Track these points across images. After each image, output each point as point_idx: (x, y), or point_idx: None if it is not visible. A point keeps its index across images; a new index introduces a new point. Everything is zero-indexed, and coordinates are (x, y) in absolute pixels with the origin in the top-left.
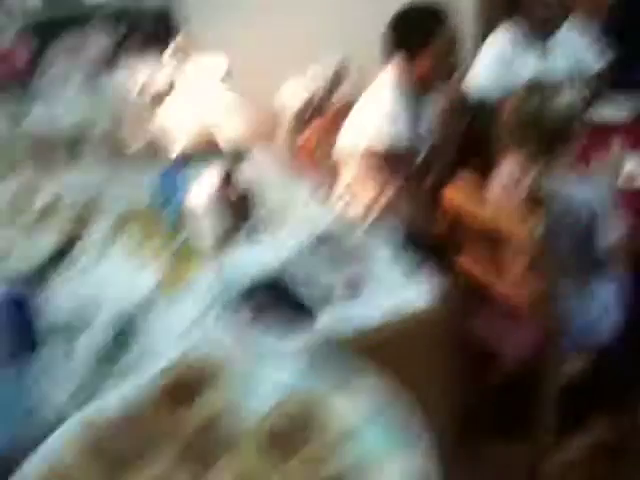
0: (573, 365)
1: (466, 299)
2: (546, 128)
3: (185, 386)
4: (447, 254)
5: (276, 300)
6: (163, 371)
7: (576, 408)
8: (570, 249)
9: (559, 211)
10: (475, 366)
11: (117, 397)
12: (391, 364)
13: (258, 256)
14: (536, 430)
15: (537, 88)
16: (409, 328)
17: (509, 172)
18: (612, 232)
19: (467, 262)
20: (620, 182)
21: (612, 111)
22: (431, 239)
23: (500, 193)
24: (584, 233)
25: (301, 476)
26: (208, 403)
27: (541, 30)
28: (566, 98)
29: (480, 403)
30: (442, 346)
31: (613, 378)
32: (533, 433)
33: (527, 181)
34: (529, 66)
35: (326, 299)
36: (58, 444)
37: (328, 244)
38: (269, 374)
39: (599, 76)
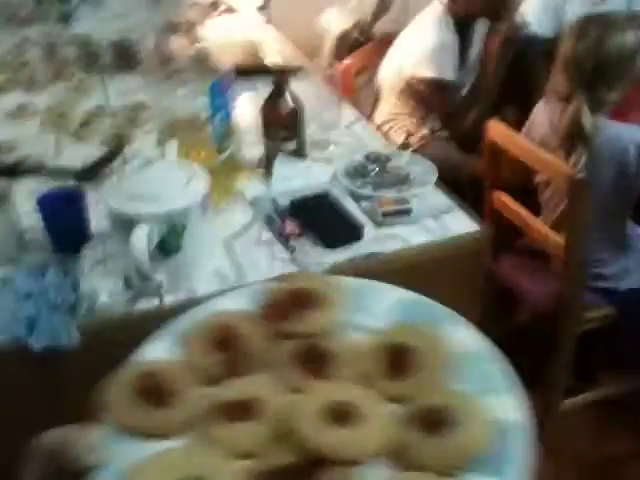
0: (595, 314)
1: (498, 236)
2: (602, 62)
3: (298, 298)
4: (485, 190)
5: (322, 215)
6: (278, 285)
7: (591, 361)
8: (612, 191)
9: (604, 150)
10: (498, 304)
11: (236, 300)
12: (427, 285)
13: (306, 171)
14: (549, 379)
15: (598, 21)
16: (449, 252)
17: (554, 109)
18: None
19: (504, 200)
20: None
21: None
22: (470, 175)
23: (544, 130)
24: (629, 175)
25: (412, 393)
26: (317, 318)
27: None
28: (626, 36)
29: (497, 343)
30: (476, 275)
31: (633, 331)
32: (545, 382)
33: (572, 118)
34: (585, 5)
35: (372, 217)
36: (187, 329)
37: (375, 164)
38: (383, 295)
39: None
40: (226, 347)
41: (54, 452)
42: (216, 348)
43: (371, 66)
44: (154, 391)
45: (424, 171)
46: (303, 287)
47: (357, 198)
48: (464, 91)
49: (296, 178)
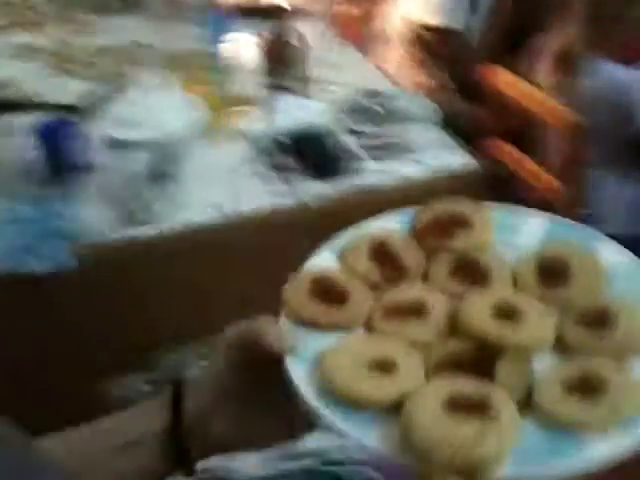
0: None
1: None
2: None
3: (450, 221)
4: (486, 137)
5: (320, 149)
6: (428, 208)
7: None
8: (609, 133)
9: (603, 93)
10: None
11: (388, 222)
12: None
13: (306, 108)
14: None
15: None
16: (447, 186)
17: (555, 52)
18: None
19: (500, 145)
20: None
21: None
22: (473, 121)
23: (545, 74)
24: (625, 116)
25: (570, 300)
26: (471, 236)
27: None
28: None
29: None
30: None
31: None
32: None
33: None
34: None
35: (369, 151)
36: (346, 244)
37: (374, 102)
38: (529, 216)
39: None
40: (383, 261)
41: (248, 341)
42: (374, 261)
43: (380, 11)
44: (327, 291)
45: (425, 109)
46: (452, 210)
47: (356, 134)
48: (475, 41)
49: (296, 115)
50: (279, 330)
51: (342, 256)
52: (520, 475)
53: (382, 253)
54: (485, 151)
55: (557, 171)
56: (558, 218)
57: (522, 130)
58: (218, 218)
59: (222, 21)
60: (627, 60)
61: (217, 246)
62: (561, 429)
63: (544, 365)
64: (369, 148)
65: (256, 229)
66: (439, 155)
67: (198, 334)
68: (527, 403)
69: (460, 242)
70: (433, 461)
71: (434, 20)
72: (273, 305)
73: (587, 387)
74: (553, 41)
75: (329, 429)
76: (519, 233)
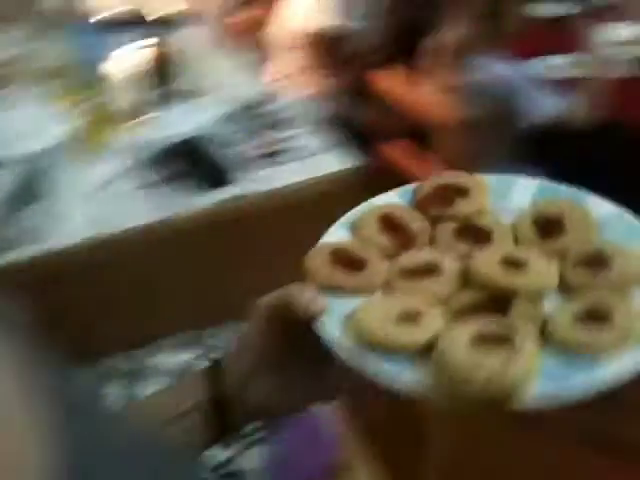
0: None
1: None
2: None
3: (448, 190)
4: (373, 139)
5: (195, 159)
6: (428, 181)
7: None
8: (501, 127)
9: (487, 87)
10: None
11: (390, 198)
12: (307, 223)
13: (177, 121)
14: None
15: None
16: (324, 190)
17: (447, 50)
18: (534, 112)
19: (393, 150)
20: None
21: (549, 9)
22: (359, 123)
23: (439, 72)
24: (513, 111)
25: (567, 248)
26: (470, 203)
27: None
28: None
29: None
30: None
31: None
32: None
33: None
34: None
35: (241, 163)
36: (355, 219)
37: (250, 111)
38: (521, 183)
39: None
40: (392, 231)
41: (281, 308)
42: (384, 232)
43: (265, 17)
44: (346, 260)
45: (313, 114)
46: (449, 181)
47: (244, 141)
48: (363, 39)
49: (183, 125)
50: (309, 295)
51: (354, 230)
52: (544, 396)
53: (390, 224)
54: (381, 152)
55: (454, 167)
56: (544, 181)
57: (422, 129)
58: (97, 235)
59: (92, 32)
60: (517, 56)
61: (97, 264)
62: (575, 354)
63: (553, 304)
64: (257, 155)
65: (144, 243)
66: (325, 159)
67: None
68: (542, 337)
69: (460, 208)
70: (467, 392)
71: (326, 23)
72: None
73: (594, 316)
74: (446, 39)
75: (365, 375)
76: (512, 195)
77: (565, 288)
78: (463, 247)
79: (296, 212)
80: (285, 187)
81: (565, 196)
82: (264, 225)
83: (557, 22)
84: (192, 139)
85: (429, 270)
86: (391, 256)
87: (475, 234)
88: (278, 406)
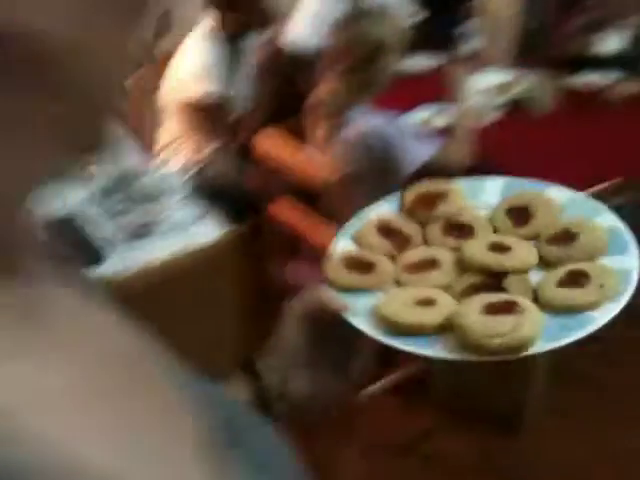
0: None
1: (276, 247)
2: (367, 51)
3: (430, 196)
4: (260, 204)
5: (67, 238)
6: (410, 189)
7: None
8: (380, 180)
9: (365, 140)
10: (271, 310)
11: (380, 207)
12: (178, 298)
13: (58, 196)
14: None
15: (361, 14)
16: (195, 264)
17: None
18: (411, 163)
19: (280, 211)
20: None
21: (417, 62)
22: (244, 191)
23: (318, 130)
24: (384, 162)
25: (538, 232)
26: (450, 204)
27: None
28: (393, 22)
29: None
30: (229, 282)
31: None
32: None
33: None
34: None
35: (116, 239)
36: (355, 229)
37: (121, 186)
38: (490, 182)
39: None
40: (389, 235)
41: (313, 309)
42: (383, 237)
43: (154, 86)
44: (358, 264)
45: (184, 184)
46: (429, 188)
47: (100, 222)
48: (242, 104)
49: (51, 204)
50: (335, 295)
51: (357, 239)
52: (549, 346)
53: (387, 230)
54: (268, 213)
55: (341, 221)
56: (509, 178)
57: (307, 188)
58: None
59: None
60: (390, 109)
61: None
62: (565, 312)
63: (537, 277)
64: (126, 231)
65: None
66: (202, 228)
67: None
68: (535, 304)
69: (443, 210)
70: (487, 350)
71: (199, 89)
72: None
73: (574, 280)
74: (320, 96)
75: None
76: (483, 193)
77: (544, 263)
78: (452, 241)
79: (175, 284)
80: (160, 260)
81: (529, 188)
82: (141, 302)
83: (426, 74)
84: (64, 217)
85: (429, 264)
86: (394, 257)
87: (460, 229)
88: (311, 398)
